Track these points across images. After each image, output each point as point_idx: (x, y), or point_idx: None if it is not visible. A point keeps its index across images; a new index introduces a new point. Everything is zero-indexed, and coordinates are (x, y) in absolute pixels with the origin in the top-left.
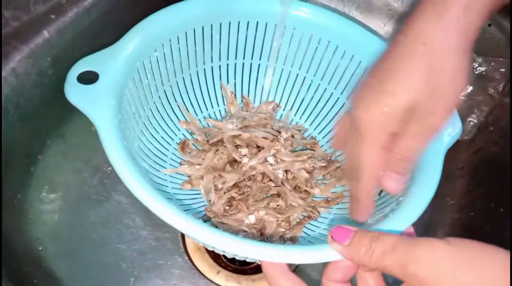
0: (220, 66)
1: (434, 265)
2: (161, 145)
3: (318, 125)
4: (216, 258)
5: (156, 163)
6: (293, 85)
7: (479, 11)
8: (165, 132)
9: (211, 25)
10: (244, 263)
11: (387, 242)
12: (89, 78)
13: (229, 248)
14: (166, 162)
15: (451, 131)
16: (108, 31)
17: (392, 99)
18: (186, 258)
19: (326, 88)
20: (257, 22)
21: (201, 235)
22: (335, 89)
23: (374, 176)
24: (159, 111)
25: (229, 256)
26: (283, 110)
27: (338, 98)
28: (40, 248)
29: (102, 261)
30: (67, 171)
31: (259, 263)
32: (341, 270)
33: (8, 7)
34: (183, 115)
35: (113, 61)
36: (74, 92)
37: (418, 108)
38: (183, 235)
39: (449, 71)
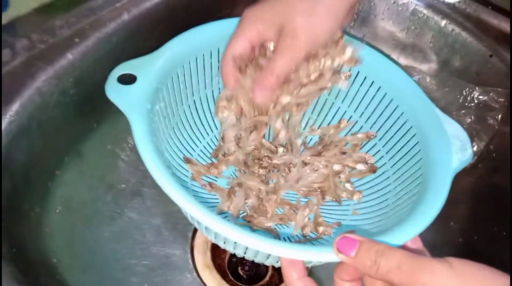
0: None
1: None
2: (186, 150)
3: None
4: (224, 275)
5: (182, 167)
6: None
7: None
8: (191, 138)
9: None
10: (251, 281)
11: (392, 259)
12: (127, 79)
13: (241, 240)
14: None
15: (461, 156)
16: (127, 56)
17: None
18: (195, 274)
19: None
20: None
21: (224, 229)
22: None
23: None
24: (187, 118)
25: (238, 253)
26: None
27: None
28: (55, 261)
29: (114, 275)
30: (82, 188)
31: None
32: (351, 269)
33: (35, 31)
34: (205, 125)
35: (150, 67)
36: (113, 91)
37: (287, 26)
38: (192, 252)
39: (323, 6)
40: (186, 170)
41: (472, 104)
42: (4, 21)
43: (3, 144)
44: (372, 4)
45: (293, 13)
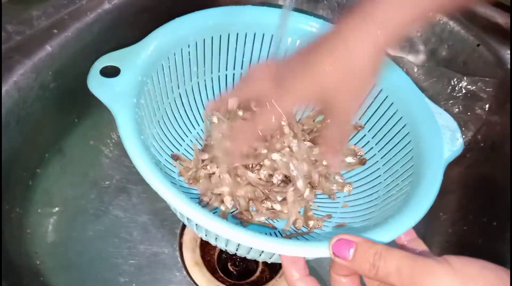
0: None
1: None
2: (173, 145)
3: None
4: (214, 272)
5: (169, 162)
6: None
7: (396, 26)
8: (177, 133)
9: (220, 36)
10: (241, 277)
11: (391, 261)
12: (110, 72)
13: (234, 237)
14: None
15: (452, 146)
16: (109, 46)
17: (310, 82)
18: (184, 272)
19: None
20: (263, 34)
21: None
22: None
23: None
24: (173, 112)
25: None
26: None
27: None
28: (38, 262)
29: (100, 275)
30: (65, 185)
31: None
32: (347, 267)
33: (11, 21)
34: (191, 119)
35: (135, 58)
36: (97, 84)
37: (330, 97)
38: (181, 250)
39: (360, 70)
40: (174, 165)
41: (460, 94)
42: None
43: None
44: None
45: (336, 91)
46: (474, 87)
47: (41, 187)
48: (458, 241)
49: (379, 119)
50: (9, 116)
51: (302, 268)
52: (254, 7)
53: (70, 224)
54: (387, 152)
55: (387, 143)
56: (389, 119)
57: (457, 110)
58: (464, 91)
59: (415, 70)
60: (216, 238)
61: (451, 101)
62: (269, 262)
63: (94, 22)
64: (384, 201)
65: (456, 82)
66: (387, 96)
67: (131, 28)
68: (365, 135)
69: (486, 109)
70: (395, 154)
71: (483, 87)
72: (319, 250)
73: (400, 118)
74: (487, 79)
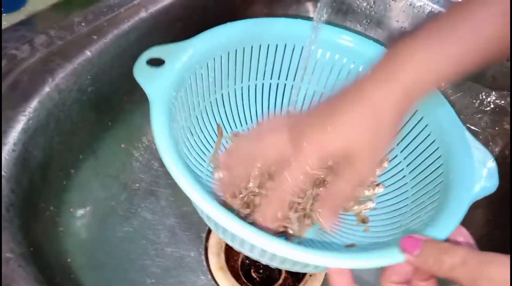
0: (256, 85)
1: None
2: (201, 150)
3: None
4: (237, 278)
5: (197, 160)
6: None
7: (422, 86)
8: (205, 137)
9: (252, 46)
10: (264, 284)
11: (457, 255)
12: (156, 64)
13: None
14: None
15: (485, 183)
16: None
17: (333, 134)
18: (209, 276)
19: None
20: (294, 45)
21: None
22: None
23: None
24: (207, 114)
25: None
26: None
27: None
28: (69, 260)
29: (128, 275)
30: (96, 187)
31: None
32: (399, 274)
33: (54, 27)
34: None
35: (180, 54)
36: (141, 72)
37: (352, 153)
38: (206, 254)
39: (384, 127)
40: (201, 164)
41: (488, 109)
42: (22, 17)
43: (22, 141)
44: (387, 6)
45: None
46: (502, 102)
47: (74, 187)
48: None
49: (416, 147)
50: (49, 117)
51: (349, 278)
52: (286, 19)
53: (100, 224)
54: (417, 183)
55: (420, 172)
56: (425, 149)
57: (484, 124)
58: (492, 105)
59: (442, 84)
60: (240, 245)
61: (479, 115)
62: (292, 270)
63: (131, 30)
64: (402, 226)
65: (484, 96)
66: (427, 125)
67: (164, 36)
68: (400, 162)
69: None
70: (425, 185)
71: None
72: (367, 262)
73: (437, 149)
74: None
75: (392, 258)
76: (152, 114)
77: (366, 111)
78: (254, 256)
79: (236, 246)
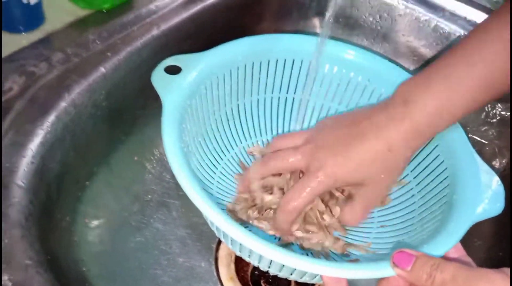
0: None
1: None
2: (210, 161)
3: None
4: None
5: (206, 172)
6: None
7: (435, 128)
8: (215, 149)
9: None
10: None
11: (447, 271)
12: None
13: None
14: (214, 174)
15: (488, 206)
16: None
17: (347, 167)
18: None
19: None
20: (301, 61)
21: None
22: None
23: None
24: (217, 127)
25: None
26: None
27: None
28: (84, 269)
29: (140, 285)
30: (110, 198)
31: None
32: (395, 283)
33: (70, 44)
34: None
35: (195, 64)
36: (158, 78)
37: (363, 182)
38: (216, 264)
39: (396, 162)
40: (210, 175)
41: (494, 120)
42: (40, 35)
43: (40, 154)
44: (394, 20)
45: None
46: (508, 114)
47: (89, 199)
48: (492, 268)
49: (426, 167)
50: (65, 131)
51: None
52: (292, 35)
53: (114, 235)
54: (425, 202)
55: (427, 192)
56: (434, 169)
57: (491, 136)
58: (498, 117)
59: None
60: (249, 255)
61: (485, 127)
62: (299, 281)
63: (143, 47)
64: (401, 242)
65: (489, 108)
66: (436, 146)
67: (175, 53)
68: (410, 181)
69: None
70: (431, 205)
71: None
72: (366, 273)
73: (445, 169)
74: None
75: (385, 270)
76: (164, 120)
77: (380, 143)
78: (262, 266)
79: (245, 257)
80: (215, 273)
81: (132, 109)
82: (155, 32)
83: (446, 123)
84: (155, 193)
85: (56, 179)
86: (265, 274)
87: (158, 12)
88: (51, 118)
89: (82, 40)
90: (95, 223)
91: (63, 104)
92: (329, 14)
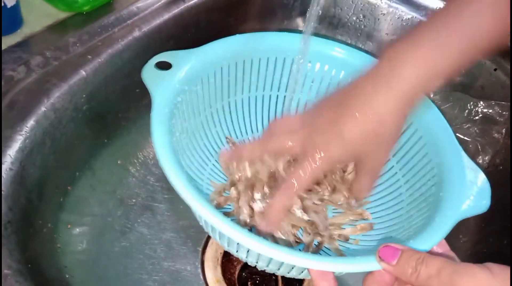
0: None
1: None
2: (201, 158)
3: None
4: None
5: (197, 168)
6: None
7: (423, 88)
8: (205, 146)
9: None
10: None
11: (432, 265)
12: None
13: (261, 250)
14: (205, 171)
15: (474, 203)
16: (137, 72)
17: (340, 143)
18: None
19: None
20: (284, 58)
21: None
22: None
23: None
24: (208, 125)
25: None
26: None
27: None
28: (67, 276)
29: None
30: (93, 203)
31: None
32: (378, 282)
33: (50, 47)
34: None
35: (187, 60)
36: (148, 74)
37: (359, 156)
38: (203, 267)
39: (388, 131)
40: (200, 171)
41: (477, 118)
42: (18, 39)
43: (19, 160)
44: (377, 19)
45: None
46: (490, 111)
47: (71, 204)
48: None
49: (414, 165)
50: (45, 136)
51: (331, 280)
52: (275, 33)
53: (98, 240)
54: (412, 200)
55: (415, 190)
56: (422, 168)
57: (474, 134)
58: (480, 115)
59: (432, 95)
60: (237, 250)
61: (467, 125)
62: (287, 276)
63: (125, 49)
64: (388, 238)
65: (472, 106)
66: (425, 144)
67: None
68: (399, 179)
69: (503, 132)
70: (419, 203)
71: (500, 111)
72: (351, 266)
73: (433, 168)
74: (503, 103)
75: (371, 264)
76: (153, 115)
77: (369, 117)
78: (250, 260)
79: (233, 251)
80: (201, 277)
81: (114, 112)
82: (136, 33)
83: (436, 84)
84: (139, 196)
85: (37, 185)
86: (252, 276)
87: (140, 14)
88: (30, 123)
89: (62, 43)
90: (78, 229)
91: (42, 109)
92: (314, 10)
